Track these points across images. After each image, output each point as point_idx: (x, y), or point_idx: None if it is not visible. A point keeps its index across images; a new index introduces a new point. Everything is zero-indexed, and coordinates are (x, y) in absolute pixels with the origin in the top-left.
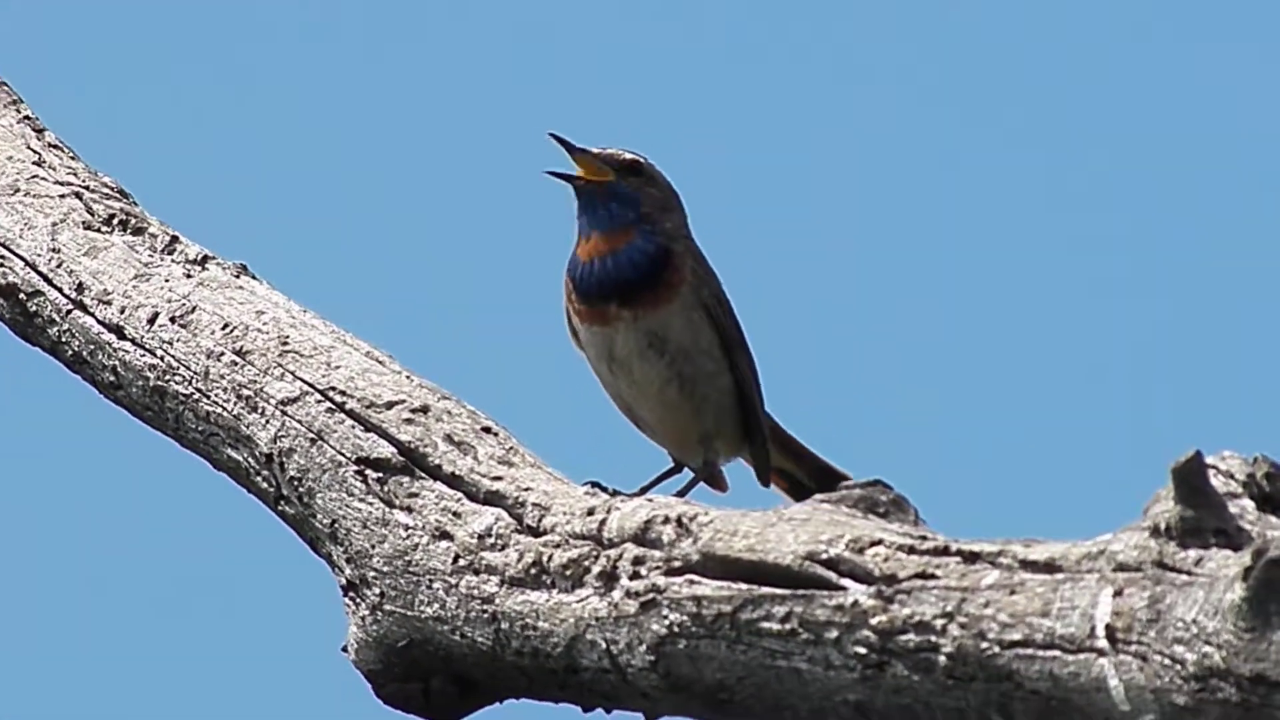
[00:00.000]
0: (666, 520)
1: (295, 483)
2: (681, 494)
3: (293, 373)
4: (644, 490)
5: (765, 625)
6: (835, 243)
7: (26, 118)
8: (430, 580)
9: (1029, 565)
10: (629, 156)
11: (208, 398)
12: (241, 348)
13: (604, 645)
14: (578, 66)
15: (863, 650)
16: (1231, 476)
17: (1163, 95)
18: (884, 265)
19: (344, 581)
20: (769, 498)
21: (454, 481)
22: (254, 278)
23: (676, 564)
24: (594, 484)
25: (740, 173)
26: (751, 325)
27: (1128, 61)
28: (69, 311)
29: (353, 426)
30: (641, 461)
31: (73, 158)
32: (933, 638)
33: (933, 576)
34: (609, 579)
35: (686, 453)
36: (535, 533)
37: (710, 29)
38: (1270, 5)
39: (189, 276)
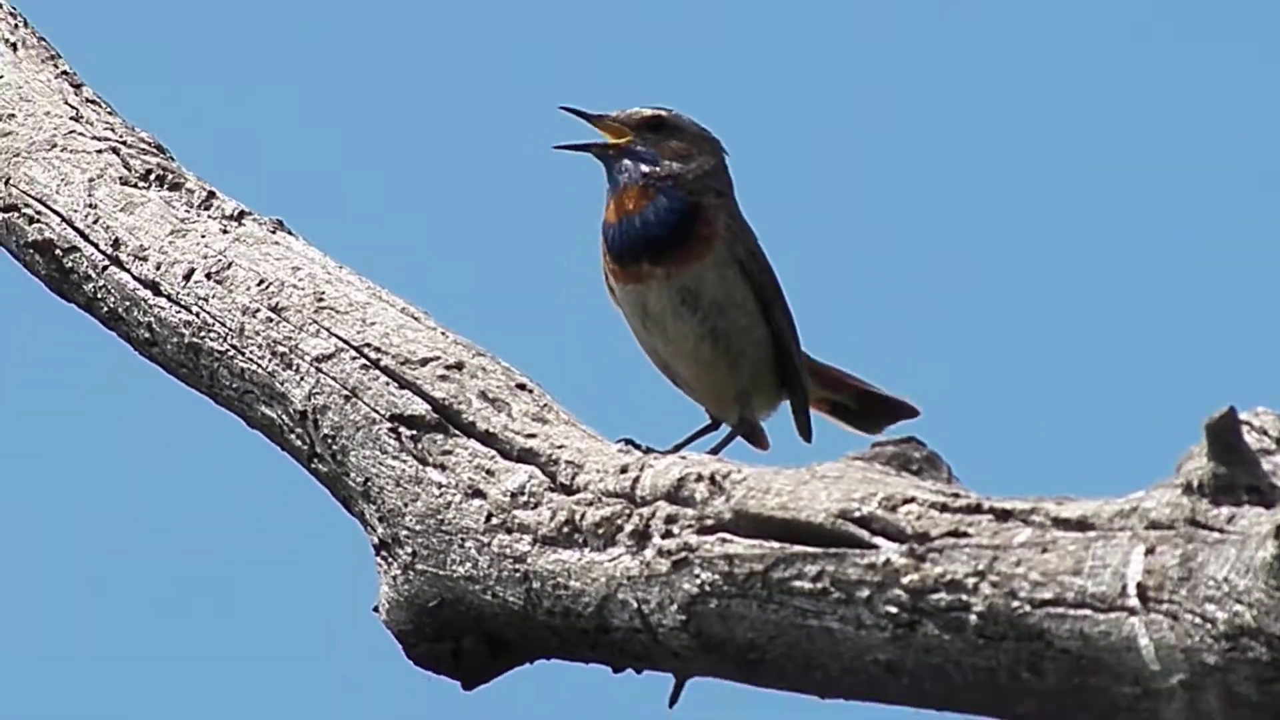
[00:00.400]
0: (700, 478)
1: (329, 440)
2: (716, 451)
3: (328, 329)
4: (678, 448)
5: (797, 584)
6: (867, 214)
7: (64, 73)
8: (463, 539)
9: (1061, 523)
10: (648, 113)
11: (242, 354)
12: (277, 304)
13: (635, 605)
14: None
15: (894, 609)
16: (1265, 433)
17: (1165, 90)
18: (917, 225)
19: (376, 540)
20: (808, 454)
21: (488, 439)
22: (290, 233)
23: (709, 522)
24: (628, 441)
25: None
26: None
27: (1126, 59)
28: (105, 268)
29: (387, 383)
30: (677, 418)
31: (110, 113)
32: (964, 596)
33: (965, 535)
34: (641, 538)
35: (723, 409)
36: (568, 491)
37: (708, 29)
38: (1271, 5)
39: (225, 232)
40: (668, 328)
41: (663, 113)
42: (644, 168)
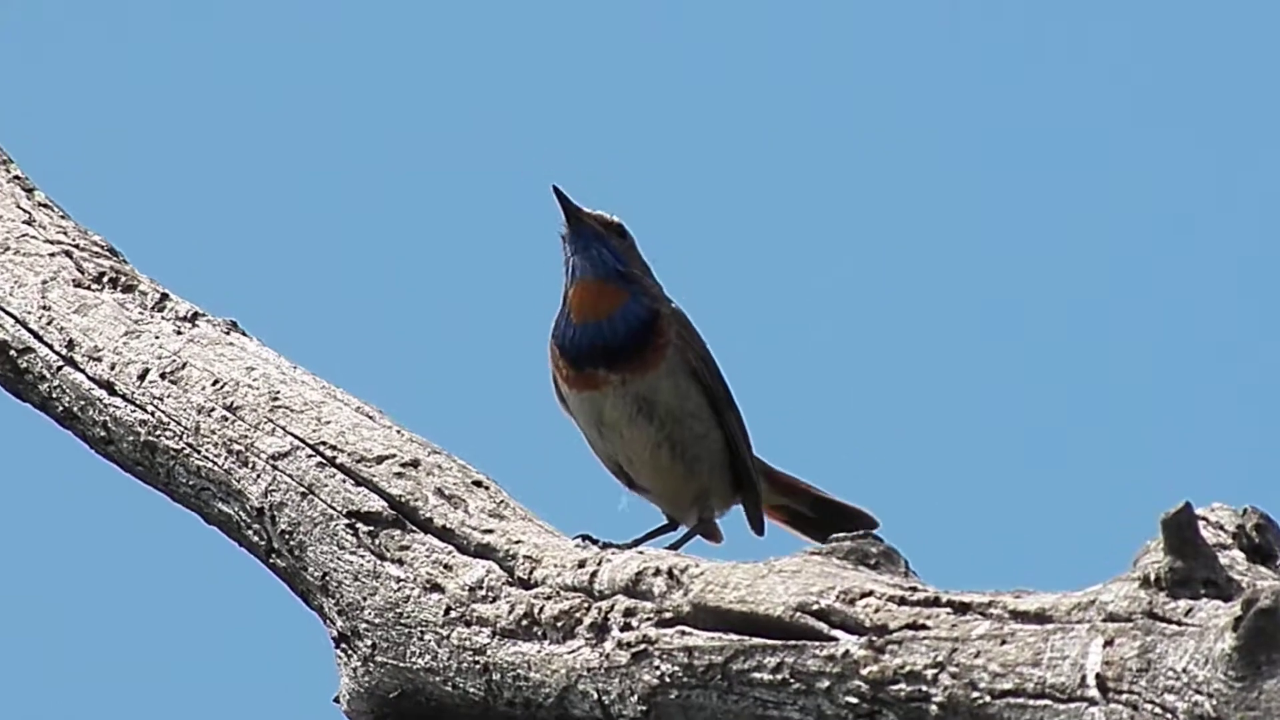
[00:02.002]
0: (658, 572)
1: (286, 536)
2: (675, 548)
3: (283, 428)
4: (636, 544)
5: (757, 675)
6: (809, 284)
7: (16, 177)
8: (422, 632)
9: (1020, 616)
10: (615, 219)
11: (198, 453)
12: (232, 403)
13: (596, 695)
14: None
15: (854, 700)
16: (1221, 528)
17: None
18: (866, 313)
19: (335, 633)
20: (762, 547)
21: (445, 534)
22: (244, 334)
23: (668, 615)
24: (585, 537)
25: (729, 177)
26: (739, 357)
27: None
28: (60, 368)
29: (344, 480)
30: (632, 515)
31: (63, 216)
32: (924, 687)
33: (924, 627)
34: (600, 630)
35: (680, 509)
36: (526, 585)
37: (706, 28)
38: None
39: (179, 333)
40: (624, 435)
41: (623, 224)
42: (619, 266)
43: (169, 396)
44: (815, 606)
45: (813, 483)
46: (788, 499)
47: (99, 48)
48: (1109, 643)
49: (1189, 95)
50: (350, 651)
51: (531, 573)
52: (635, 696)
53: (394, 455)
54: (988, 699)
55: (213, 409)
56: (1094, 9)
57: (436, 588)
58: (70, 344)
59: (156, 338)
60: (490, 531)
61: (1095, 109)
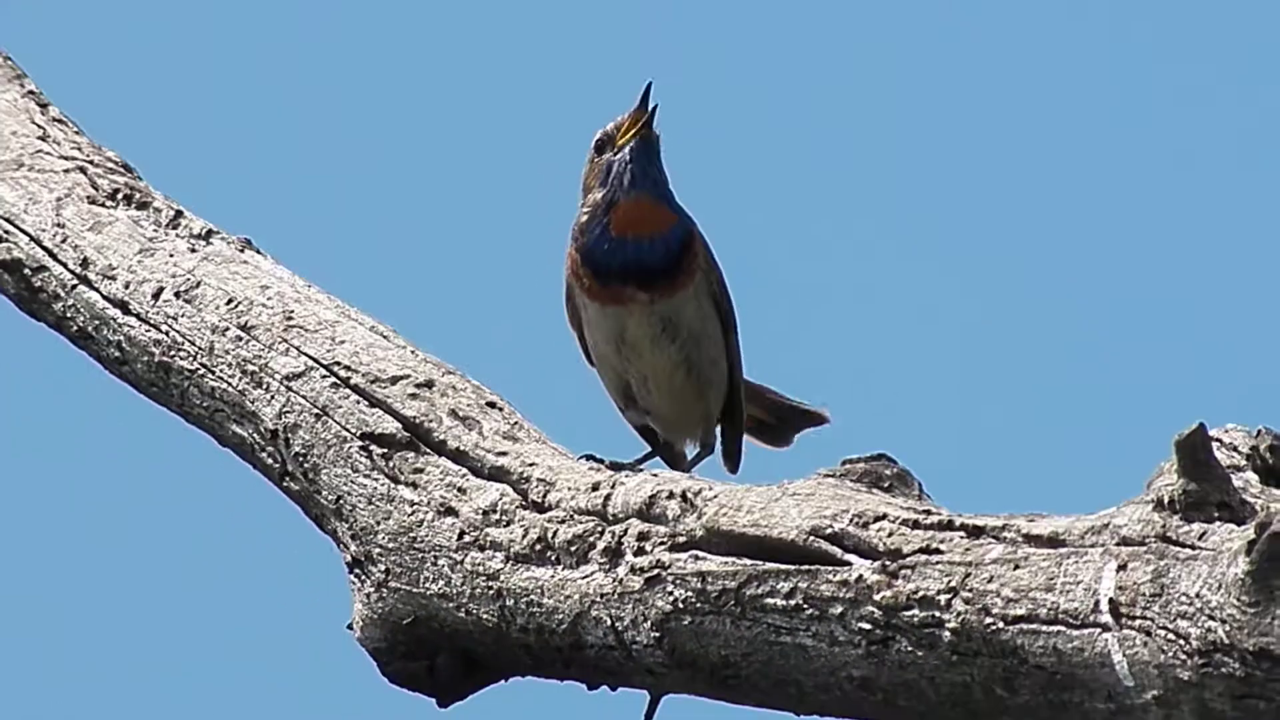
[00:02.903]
0: (671, 495)
1: (300, 459)
2: (687, 470)
3: (297, 348)
4: (640, 461)
5: (770, 601)
6: (835, 225)
7: (31, 92)
8: (435, 557)
9: (1033, 540)
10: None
11: (212, 373)
12: (246, 323)
13: (609, 622)
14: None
15: (867, 626)
16: (1235, 449)
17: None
18: (885, 248)
19: (349, 558)
20: (752, 472)
21: (459, 457)
22: (258, 252)
23: (681, 539)
24: (590, 457)
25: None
26: (748, 297)
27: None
28: (74, 287)
29: (358, 402)
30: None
31: (77, 132)
32: (937, 613)
33: (937, 551)
34: (614, 555)
35: (683, 434)
36: (540, 508)
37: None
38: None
39: (193, 251)
40: (645, 354)
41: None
42: (670, 189)
43: (183, 316)
44: (829, 530)
45: (769, 386)
46: (758, 408)
47: None
48: (1122, 567)
49: (1189, 96)
50: (364, 577)
51: (545, 496)
52: (649, 623)
53: (408, 376)
54: (1001, 625)
55: (227, 329)
56: (1095, 9)
57: (450, 511)
58: (84, 262)
59: (171, 256)
60: (504, 454)
61: (1089, 108)
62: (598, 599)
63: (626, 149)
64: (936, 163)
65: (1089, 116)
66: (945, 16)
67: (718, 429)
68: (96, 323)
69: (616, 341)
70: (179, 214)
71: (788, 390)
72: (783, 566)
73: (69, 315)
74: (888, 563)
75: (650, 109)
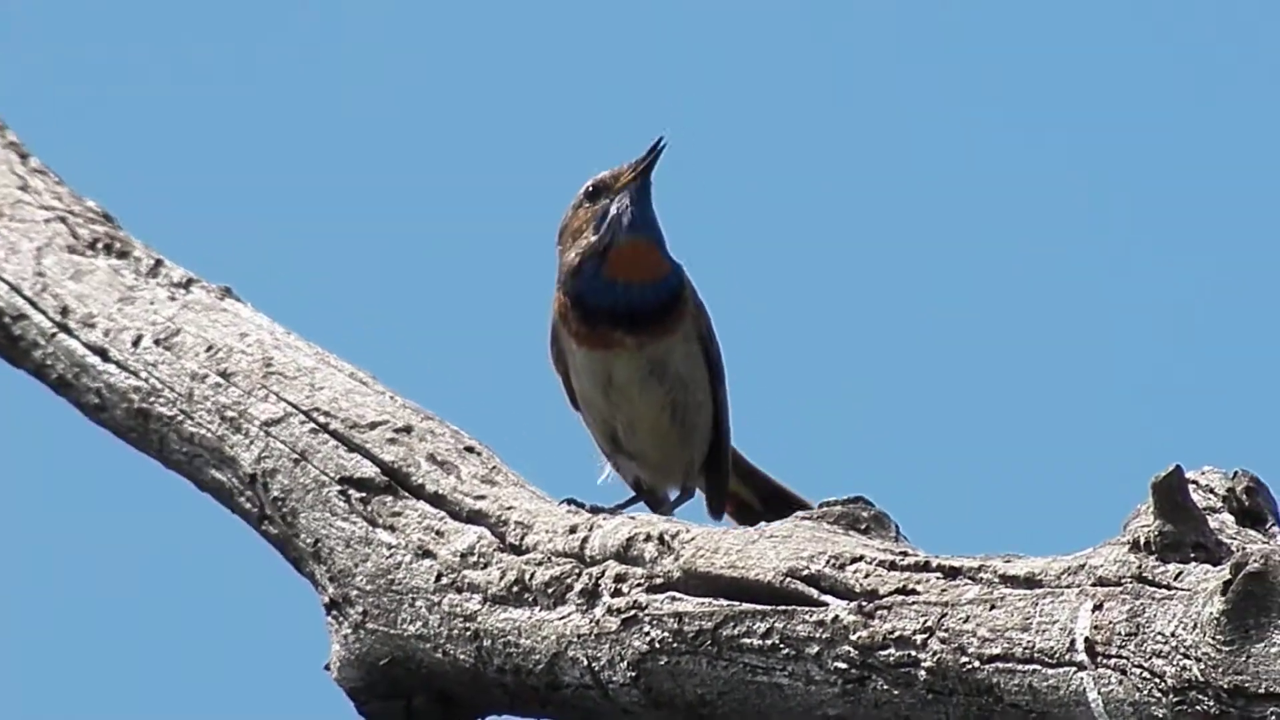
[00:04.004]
0: (649, 538)
1: (279, 503)
2: (664, 514)
3: (276, 394)
4: (619, 508)
5: (746, 641)
6: (805, 264)
7: (11, 143)
8: (413, 598)
9: (1009, 580)
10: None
11: (191, 419)
12: (225, 369)
13: (586, 662)
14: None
15: (843, 665)
16: (1211, 491)
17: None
18: (855, 287)
19: (327, 600)
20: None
21: (437, 501)
22: (238, 300)
23: (658, 581)
24: (571, 501)
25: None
26: (734, 337)
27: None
28: (54, 334)
29: (336, 447)
30: (612, 485)
31: (58, 182)
32: (913, 652)
33: (913, 592)
34: (591, 596)
35: (666, 480)
36: (518, 551)
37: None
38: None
39: (173, 299)
40: (634, 398)
41: None
42: (660, 232)
43: (162, 363)
44: (805, 572)
45: (771, 474)
46: (746, 487)
47: (91, 14)
48: (1098, 607)
49: (1185, 97)
50: (341, 618)
51: (523, 539)
52: (625, 663)
53: (386, 421)
54: (977, 664)
55: (206, 375)
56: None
57: (428, 554)
58: (64, 310)
59: (151, 304)
60: (482, 498)
61: (1077, 107)
62: (574, 639)
63: (627, 192)
64: (904, 208)
65: (1047, 165)
66: (938, 40)
67: (701, 477)
68: (76, 370)
69: (604, 386)
70: (159, 263)
71: (791, 484)
72: (759, 607)
73: (49, 363)
74: (864, 603)
75: (657, 151)
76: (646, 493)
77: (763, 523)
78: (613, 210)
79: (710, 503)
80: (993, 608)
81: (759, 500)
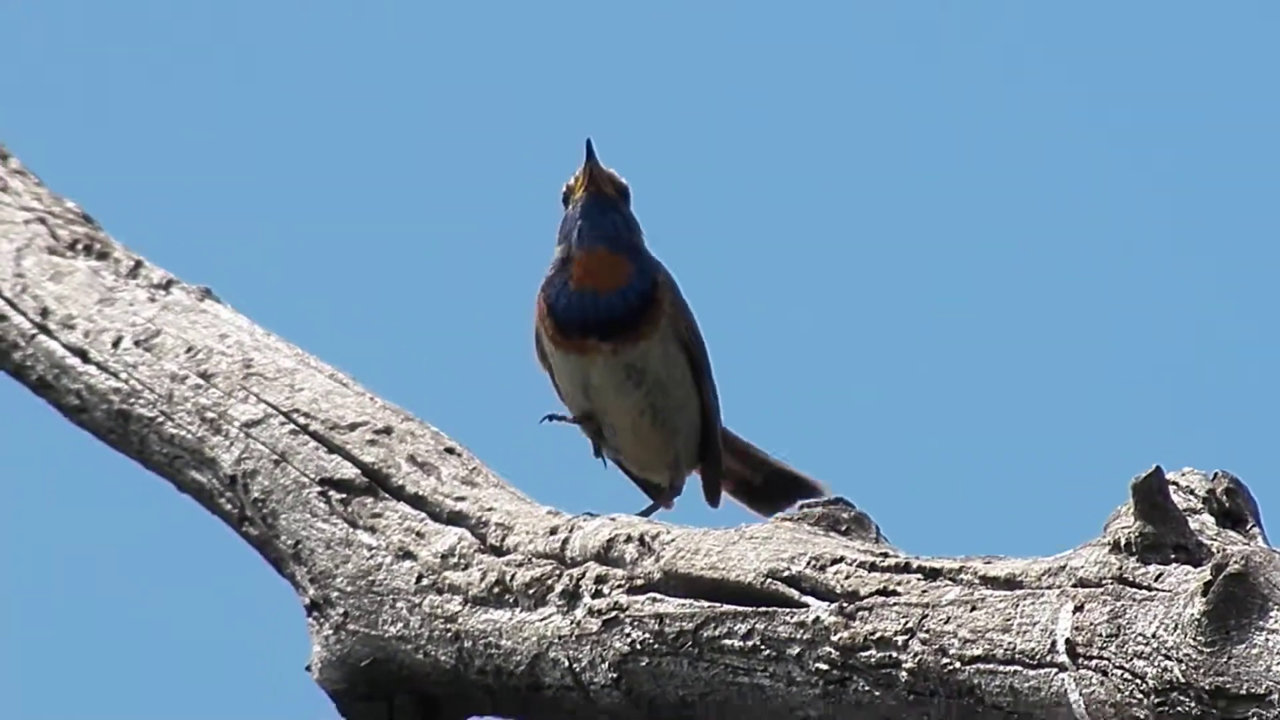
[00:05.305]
0: (629, 539)
1: (259, 504)
2: (645, 514)
3: (256, 395)
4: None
5: (727, 642)
6: (792, 265)
7: None
8: (394, 600)
9: (989, 581)
10: (623, 181)
11: (172, 420)
12: (205, 370)
13: (567, 663)
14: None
15: (824, 666)
16: (1192, 492)
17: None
18: (838, 292)
19: (308, 601)
20: (712, 518)
21: (417, 502)
22: (218, 301)
23: (639, 582)
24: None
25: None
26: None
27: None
28: (33, 336)
29: (316, 448)
30: (604, 481)
31: (37, 183)
32: (894, 654)
33: (894, 593)
34: (572, 597)
35: (654, 476)
36: (498, 552)
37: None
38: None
39: (153, 300)
40: (609, 400)
41: (629, 187)
42: (629, 236)
43: (142, 364)
44: (786, 573)
45: (768, 451)
46: (742, 466)
47: (69, 17)
48: (1079, 608)
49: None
50: (322, 620)
51: (504, 540)
52: (606, 664)
53: (366, 422)
54: (958, 665)
55: (186, 376)
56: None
57: (408, 555)
58: (44, 311)
59: (130, 305)
60: (463, 499)
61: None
62: (555, 641)
63: (578, 205)
64: (880, 217)
65: (1014, 176)
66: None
67: (694, 470)
68: (56, 371)
69: (583, 387)
70: (138, 264)
71: (790, 459)
72: (740, 608)
73: (28, 364)
74: (845, 604)
75: (590, 166)
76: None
77: (743, 523)
78: (570, 220)
79: (707, 491)
80: (973, 609)
81: (760, 478)
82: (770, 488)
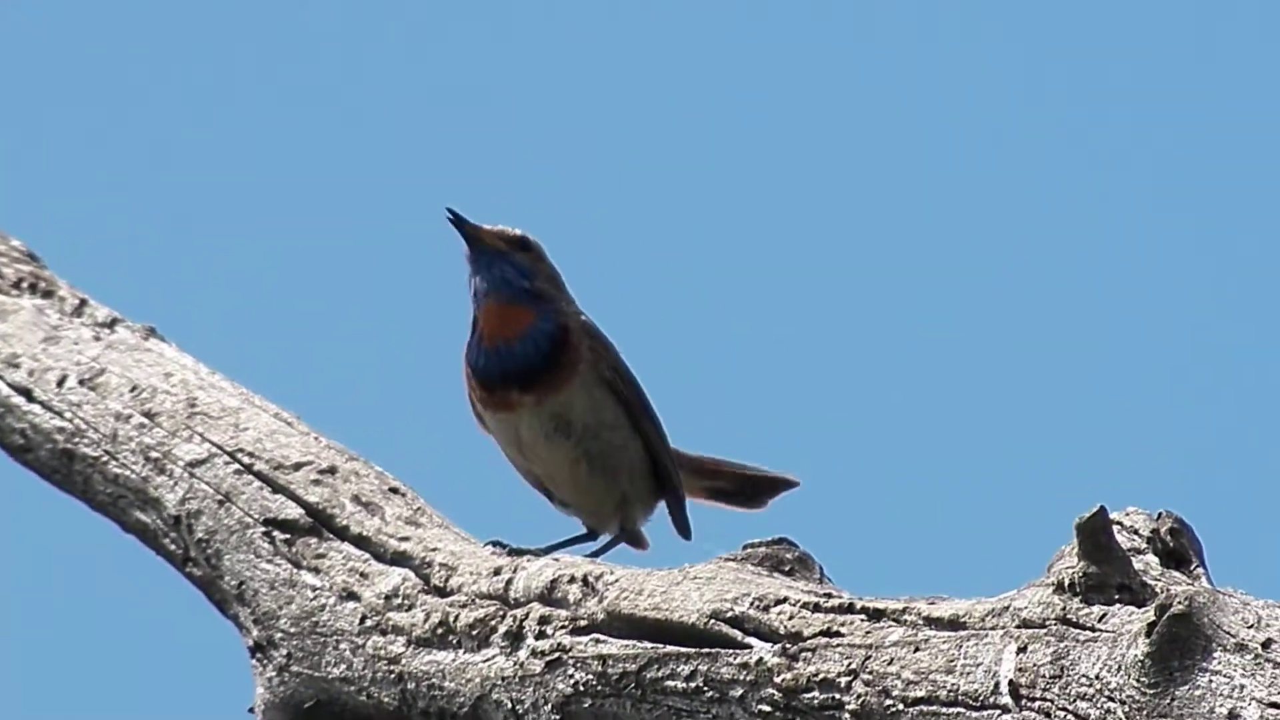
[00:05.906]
0: (572, 580)
1: (203, 544)
2: (595, 556)
3: (201, 434)
4: (550, 550)
5: (670, 684)
6: (737, 303)
7: None
8: (337, 641)
9: (933, 622)
10: (517, 232)
11: (116, 460)
12: (150, 410)
13: (509, 705)
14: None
15: (767, 708)
16: (1136, 532)
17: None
18: (785, 320)
19: (251, 642)
20: (687, 553)
21: (361, 542)
22: (162, 340)
23: (582, 623)
24: (497, 543)
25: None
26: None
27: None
28: None
29: (260, 488)
30: (548, 520)
31: None
32: (837, 695)
33: (838, 634)
34: (515, 638)
35: (603, 521)
36: (442, 593)
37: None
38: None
39: (97, 339)
40: (542, 454)
41: (528, 236)
42: (525, 282)
43: (87, 403)
44: (729, 614)
45: (731, 459)
46: (711, 481)
47: (11, 47)
48: (1022, 649)
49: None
50: (266, 661)
51: (447, 580)
52: (549, 705)
53: (311, 462)
54: (901, 707)
55: (130, 415)
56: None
57: (352, 596)
58: None
59: (75, 343)
60: (406, 539)
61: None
62: (499, 682)
63: (469, 263)
64: (842, 242)
65: (993, 184)
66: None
67: (657, 504)
68: (1, 410)
69: (516, 444)
70: (83, 302)
71: (755, 459)
72: (683, 649)
73: None
74: (788, 645)
75: (459, 225)
76: (590, 535)
77: (686, 564)
78: (467, 281)
79: (675, 523)
80: (917, 650)
81: (734, 486)
82: (745, 493)
